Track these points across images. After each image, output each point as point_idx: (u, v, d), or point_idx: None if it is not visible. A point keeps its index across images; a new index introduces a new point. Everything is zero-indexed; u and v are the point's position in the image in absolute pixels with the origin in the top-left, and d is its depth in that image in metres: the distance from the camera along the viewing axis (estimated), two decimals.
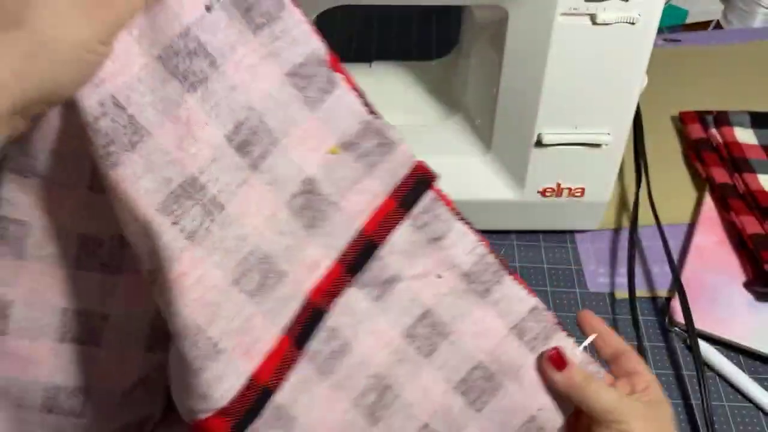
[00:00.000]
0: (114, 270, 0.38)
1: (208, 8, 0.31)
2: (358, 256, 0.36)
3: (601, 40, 0.49)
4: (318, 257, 0.36)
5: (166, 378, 0.41)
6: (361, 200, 0.36)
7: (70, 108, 0.30)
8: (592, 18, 0.48)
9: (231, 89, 0.32)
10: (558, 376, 0.38)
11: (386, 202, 0.36)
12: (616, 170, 0.58)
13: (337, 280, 0.36)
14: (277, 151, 0.34)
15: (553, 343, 0.38)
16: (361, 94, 0.35)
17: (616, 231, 0.64)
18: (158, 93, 0.30)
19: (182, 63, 0.31)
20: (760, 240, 0.58)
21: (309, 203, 0.35)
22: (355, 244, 0.36)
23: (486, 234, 0.61)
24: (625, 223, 0.64)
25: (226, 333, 0.33)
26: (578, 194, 0.59)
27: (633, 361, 0.39)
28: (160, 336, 0.40)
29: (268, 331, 0.34)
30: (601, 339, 0.40)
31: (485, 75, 0.58)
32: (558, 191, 0.59)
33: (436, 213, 0.37)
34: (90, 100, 0.30)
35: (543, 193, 0.59)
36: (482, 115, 0.61)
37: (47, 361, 0.39)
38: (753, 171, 0.63)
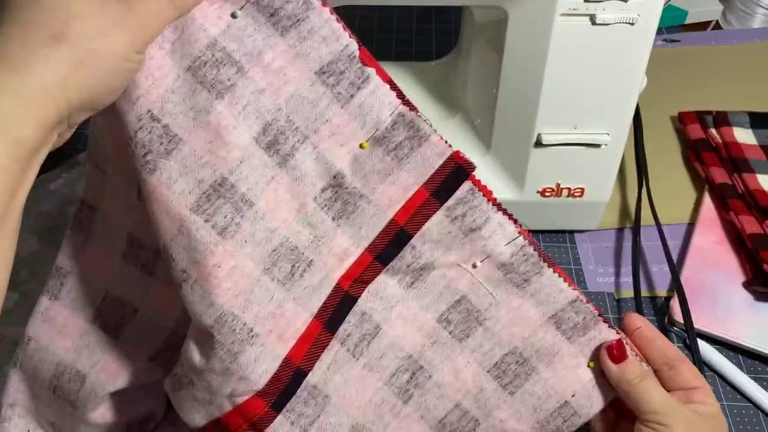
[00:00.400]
0: (149, 272, 0.41)
1: (234, 16, 0.32)
2: (388, 245, 0.37)
3: (601, 41, 0.49)
4: (347, 247, 0.37)
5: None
6: (392, 192, 0.36)
7: (119, 123, 0.33)
8: (592, 18, 0.48)
9: (258, 93, 0.34)
10: (613, 368, 0.38)
11: (418, 192, 0.36)
12: (616, 170, 0.58)
13: (367, 268, 0.38)
14: (304, 148, 0.35)
15: (592, 334, 0.39)
16: (394, 87, 0.35)
17: (616, 231, 0.64)
18: (189, 102, 0.32)
19: (210, 73, 0.32)
20: (759, 240, 0.58)
21: (338, 196, 0.36)
22: (385, 234, 0.37)
23: None
24: (625, 223, 0.64)
25: (259, 318, 0.35)
26: (578, 194, 0.59)
27: (691, 375, 0.38)
28: (166, 352, 0.43)
29: (299, 317, 0.36)
30: (654, 345, 0.39)
31: (485, 75, 0.58)
32: (557, 191, 0.59)
33: (473, 204, 0.37)
34: (129, 116, 0.32)
35: (542, 193, 0.59)
36: (482, 115, 0.61)
37: (72, 337, 0.42)
38: (752, 171, 0.63)
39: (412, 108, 0.35)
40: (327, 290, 0.37)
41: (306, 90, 0.34)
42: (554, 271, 0.38)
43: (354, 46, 0.34)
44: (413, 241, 0.37)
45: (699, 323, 0.54)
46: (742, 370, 0.53)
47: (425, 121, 0.36)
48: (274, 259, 0.35)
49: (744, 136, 0.67)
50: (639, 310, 0.56)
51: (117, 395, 0.42)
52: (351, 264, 0.37)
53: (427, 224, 0.37)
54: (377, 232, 0.37)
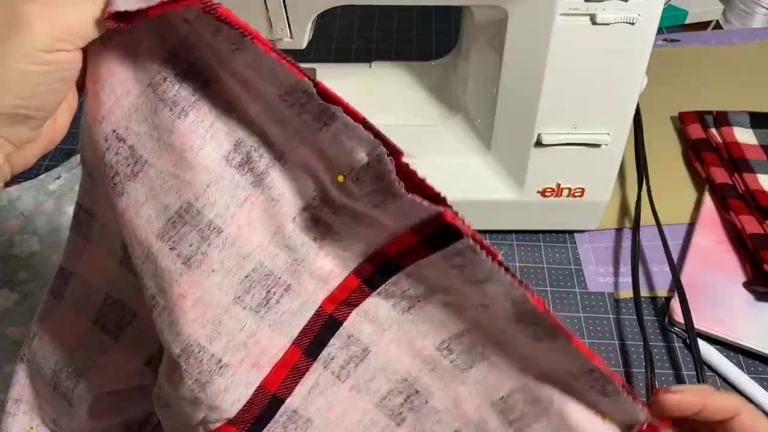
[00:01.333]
0: None
1: (188, 21, 0.29)
2: (377, 271, 0.34)
3: (601, 41, 0.49)
4: (331, 269, 0.34)
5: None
6: (374, 232, 0.33)
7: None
8: (592, 18, 0.48)
9: (228, 105, 0.31)
10: None
11: (405, 235, 0.32)
12: (616, 170, 0.58)
13: (353, 292, 0.35)
14: (282, 165, 0.32)
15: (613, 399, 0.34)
16: (369, 125, 0.29)
17: (616, 231, 0.64)
18: (152, 122, 0.30)
19: (171, 89, 0.30)
20: (759, 240, 0.58)
21: (320, 217, 0.33)
22: (372, 261, 0.34)
23: (486, 234, 0.61)
24: (625, 223, 0.64)
25: (229, 348, 0.33)
26: (578, 194, 0.59)
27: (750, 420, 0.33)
28: (159, 358, 0.42)
29: (276, 343, 0.34)
30: (707, 411, 0.34)
31: (485, 75, 0.58)
32: (558, 191, 0.59)
33: (473, 261, 0.31)
34: (97, 136, 0.30)
35: (543, 193, 0.59)
36: (482, 115, 0.61)
37: (74, 336, 0.41)
38: (752, 171, 0.63)
39: (394, 152, 0.29)
40: (308, 314, 0.35)
41: (276, 108, 0.30)
42: (571, 343, 0.33)
43: (308, 85, 0.29)
44: (408, 269, 0.34)
45: (699, 323, 0.54)
46: (743, 370, 0.53)
47: (397, 184, 0.30)
48: (246, 286, 0.33)
49: (744, 136, 0.67)
50: (639, 311, 0.56)
51: (113, 396, 0.42)
52: (335, 287, 0.35)
53: (422, 261, 0.33)
54: (364, 257, 0.34)
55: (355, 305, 0.36)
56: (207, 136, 0.31)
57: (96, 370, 0.41)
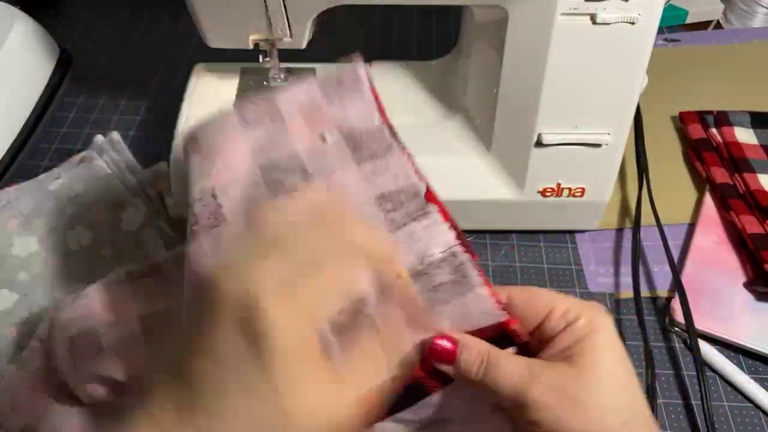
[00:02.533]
0: None
1: (323, 139, 0.35)
2: (400, 396, 0.34)
3: (601, 40, 0.49)
4: None
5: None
6: (420, 336, 0.33)
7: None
8: (592, 18, 0.48)
9: None
10: (451, 369, 0.32)
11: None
12: (617, 170, 0.58)
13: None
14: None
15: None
16: (455, 227, 0.33)
17: (616, 231, 0.64)
18: (247, 192, 0.34)
19: (277, 175, 0.34)
20: (760, 240, 0.58)
21: (355, 323, 0.32)
22: (395, 379, 0.34)
23: (486, 234, 0.61)
24: (626, 223, 0.64)
25: None
26: (578, 194, 0.59)
27: (543, 299, 0.31)
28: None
29: None
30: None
31: (485, 75, 0.58)
32: (558, 191, 0.59)
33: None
34: (194, 186, 0.35)
35: (543, 193, 0.59)
36: (482, 115, 0.61)
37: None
38: (753, 171, 0.63)
39: (471, 253, 0.33)
40: None
41: (362, 205, 0.34)
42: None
43: (422, 187, 0.35)
44: (434, 397, 0.35)
45: (700, 324, 0.54)
46: (743, 370, 0.53)
47: (477, 272, 0.33)
48: None
49: (745, 135, 0.67)
50: (639, 311, 0.56)
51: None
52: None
53: (447, 389, 0.34)
54: (388, 376, 0.34)
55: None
56: None
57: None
